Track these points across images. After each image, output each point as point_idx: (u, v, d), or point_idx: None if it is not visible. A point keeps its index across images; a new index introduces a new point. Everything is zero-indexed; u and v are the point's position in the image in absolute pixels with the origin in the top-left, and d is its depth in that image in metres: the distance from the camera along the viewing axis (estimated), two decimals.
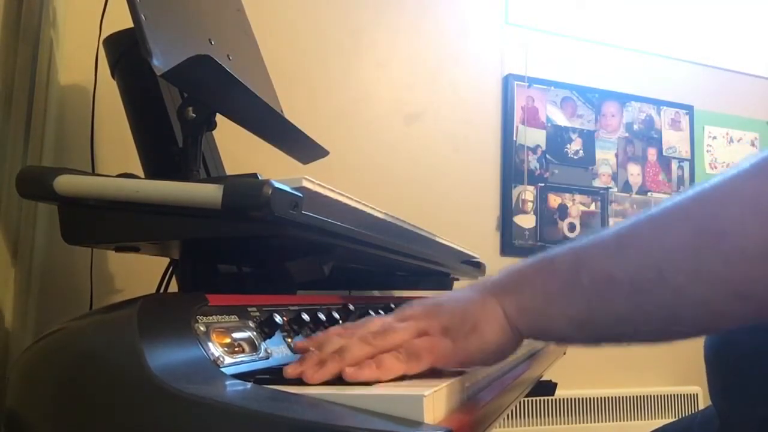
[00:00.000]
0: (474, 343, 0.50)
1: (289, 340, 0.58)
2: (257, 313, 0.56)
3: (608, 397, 1.79)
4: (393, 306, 0.83)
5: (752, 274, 0.41)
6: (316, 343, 0.52)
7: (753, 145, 2.18)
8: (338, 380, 0.47)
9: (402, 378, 0.49)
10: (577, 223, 1.87)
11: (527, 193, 1.81)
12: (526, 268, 0.52)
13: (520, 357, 0.81)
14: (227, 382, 0.43)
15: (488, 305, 0.50)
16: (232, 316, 0.53)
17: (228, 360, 0.47)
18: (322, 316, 0.63)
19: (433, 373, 0.49)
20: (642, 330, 0.47)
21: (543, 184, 1.84)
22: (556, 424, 1.73)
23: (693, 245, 0.43)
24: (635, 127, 2.00)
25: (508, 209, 1.78)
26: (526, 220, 1.80)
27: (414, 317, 0.52)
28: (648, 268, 0.44)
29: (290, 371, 0.48)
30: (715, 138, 2.12)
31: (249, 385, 0.44)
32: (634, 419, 1.80)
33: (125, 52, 0.87)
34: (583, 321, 0.47)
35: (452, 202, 1.70)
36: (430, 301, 0.55)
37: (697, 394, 1.88)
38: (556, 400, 1.72)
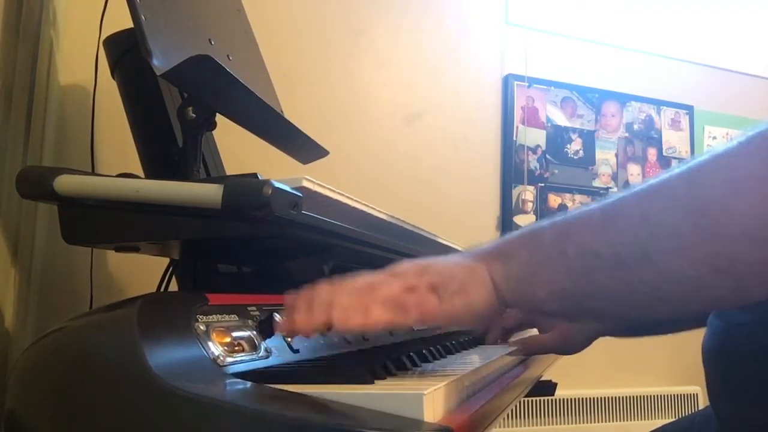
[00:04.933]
0: (460, 303, 0.50)
1: (289, 339, 0.58)
2: (257, 313, 0.56)
3: (608, 397, 1.79)
4: None
5: (735, 253, 0.41)
6: (305, 298, 0.52)
7: None
8: (336, 374, 0.47)
9: (402, 377, 0.49)
10: None
11: (527, 193, 1.81)
12: (514, 238, 0.53)
13: (519, 357, 0.81)
14: (227, 381, 0.43)
15: (476, 269, 0.51)
16: (232, 316, 0.53)
17: (228, 359, 0.47)
18: None
19: (432, 373, 0.49)
20: (625, 305, 0.47)
21: (543, 184, 1.84)
22: (556, 424, 1.73)
23: (677, 223, 0.43)
24: (635, 127, 2.00)
25: (508, 209, 1.78)
26: (526, 220, 1.80)
27: (403, 274, 0.53)
28: (631, 243, 0.45)
29: (281, 326, 0.49)
30: (715, 138, 2.12)
31: (249, 384, 0.44)
32: (634, 419, 1.80)
33: (125, 52, 0.87)
34: (565, 292, 0.48)
35: (452, 202, 1.70)
36: (419, 260, 0.55)
37: (697, 394, 1.88)
38: (556, 400, 1.72)
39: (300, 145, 0.95)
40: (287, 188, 0.52)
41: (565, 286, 0.48)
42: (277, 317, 0.55)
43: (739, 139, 0.43)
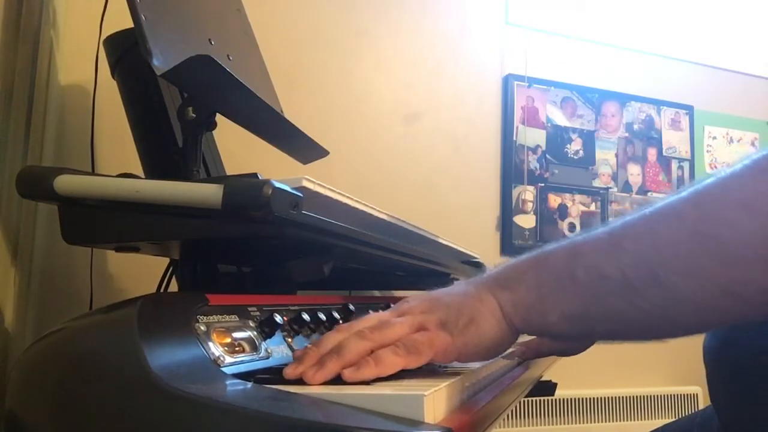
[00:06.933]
0: (471, 337, 0.50)
1: (290, 340, 0.58)
2: (257, 313, 0.56)
3: (608, 397, 1.79)
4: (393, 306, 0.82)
5: (745, 275, 0.41)
6: (314, 347, 0.52)
7: (753, 145, 2.18)
8: (339, 379, 0.47)
9: (402, 377, 0.49)
10: (577, 223, 1.87)
11: (527, 193, 1.81)
12: (521, 263, 0.53)
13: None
14: (228, 382, 0.43)
15: (485, 299, 0.51)
16: (233, 316, 0.53)
17: (228, 360, 0.47)
18: (322, 316, 0.63)
19: (432, 373, 0.49)
20: (634, 327, 0.47)
21: (543, 184, 1.84)
22: (556, 424, 1.73)
23: (686, 245, 0.43)
24: (635, 127, 2.00)
25: (508, 209, 1.78)
26: (526, 220, 1.80)
27: (411, 312, 0.53)
28: (640, 266, 0.45)
29: (289, 372, 0.48)
30: (715, 138, 2.12)
31: (249, 384, 0.44)
32: (634, 419, 1.80)
33: (125, 52, 0.87)
34: (575, 316, 0.48)
35: (452, 201, 1.70)
36: (426, 296, 0.55)
37: (697, 394, 1.88)
38: (556, 400, 1.72)
39: (300, 145, 0.95)
40: (287, 188, 0.52)
41: (575, 310, 0.48)
42: (278, 317, 0.55)
43: (743, 162, 0.43)
